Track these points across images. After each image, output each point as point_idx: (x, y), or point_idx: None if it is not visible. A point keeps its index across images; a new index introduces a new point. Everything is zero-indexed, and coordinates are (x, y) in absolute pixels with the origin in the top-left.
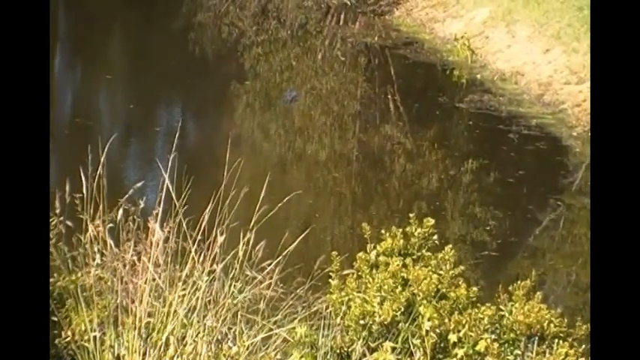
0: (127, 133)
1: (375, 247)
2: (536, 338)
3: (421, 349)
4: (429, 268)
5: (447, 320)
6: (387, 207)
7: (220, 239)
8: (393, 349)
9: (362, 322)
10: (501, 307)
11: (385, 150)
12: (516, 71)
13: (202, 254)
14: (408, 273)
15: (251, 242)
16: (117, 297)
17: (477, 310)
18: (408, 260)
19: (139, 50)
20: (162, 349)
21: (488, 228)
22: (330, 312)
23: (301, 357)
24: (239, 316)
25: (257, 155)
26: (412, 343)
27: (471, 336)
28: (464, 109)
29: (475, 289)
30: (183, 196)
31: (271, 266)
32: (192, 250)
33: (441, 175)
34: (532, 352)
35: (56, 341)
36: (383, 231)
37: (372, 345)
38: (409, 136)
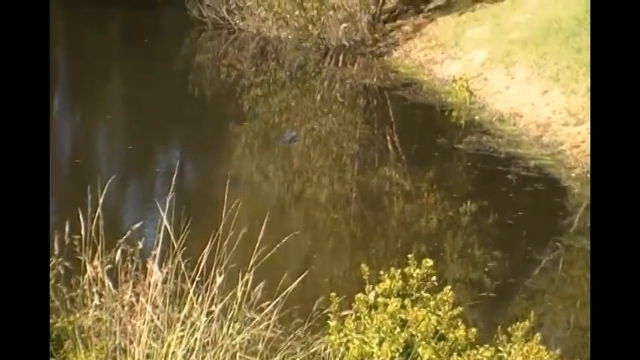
0: (126, 175)
1: (373, 288)
2: None
3: None
4: (428, 309)
5: None
6: (386, 248)
7: (219, 280)
8: None
9: None
10: (500, 348)
11: (384, 191)
12: (515, 112)
13: (201, 295)
14: (406, 314)
15: (250, 283)
16: (115, 338)
17: (475, 351)
18: (407, 301)
19: (138, 91)
20: None
21: (487, 269)
22: (329, 353)
23: None
24: (237, 357)
25: (256, 196)
26: None
27: None
28: (462, 151)
29: (474, 330)
30: (181, 237)
31: (270, 307)
32: (191, 291)
33: (439, 216)
34: None
35: None
36: (382, 272)
37: None
38: (408, 177)
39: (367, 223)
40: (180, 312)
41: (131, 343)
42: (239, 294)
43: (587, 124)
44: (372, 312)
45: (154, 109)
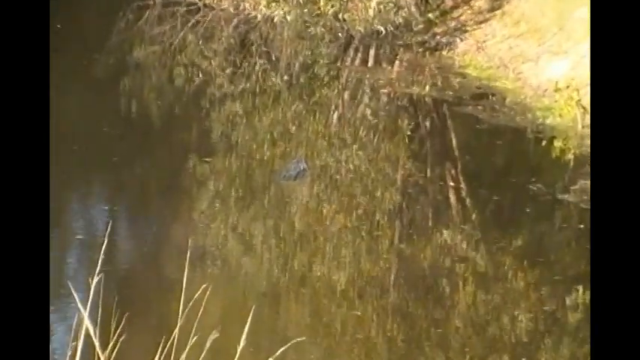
0: None
1: None
2: None
3: None
4: None
5: None
6: None
7: None
8: None
9: None
10: None
11: (442, 270)
12: None
13: None
14: None
15: None
16: None
17: None
18: None
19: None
20: None
21: None
22: None
23: None
24: None
25: (233, 278)
26: None
27: None
28: (571, 204)
29: None
30: (111, 345)
31: None
32: None
33: (532, 311)
34: None
35: None
36: None
37: None
38: (482, 247)
39: (415, 324)
40: None
41: None
42: None
43: None
44: None
45: (66, 140)
